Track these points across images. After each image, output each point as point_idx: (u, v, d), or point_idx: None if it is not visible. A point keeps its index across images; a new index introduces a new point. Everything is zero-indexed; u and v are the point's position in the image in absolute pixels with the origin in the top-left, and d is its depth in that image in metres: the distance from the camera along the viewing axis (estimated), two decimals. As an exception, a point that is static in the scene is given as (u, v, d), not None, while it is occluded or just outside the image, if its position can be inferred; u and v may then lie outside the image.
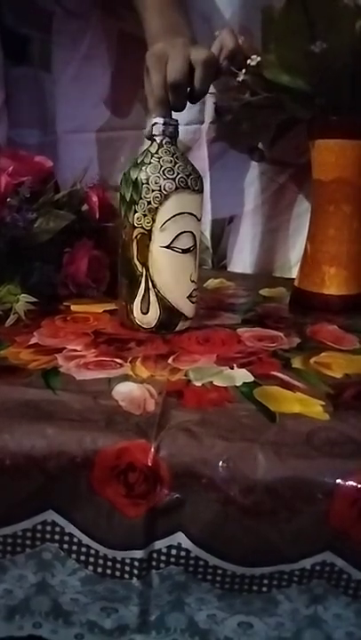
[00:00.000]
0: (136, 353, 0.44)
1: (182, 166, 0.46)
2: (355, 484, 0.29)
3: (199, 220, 0.48)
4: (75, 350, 0.44)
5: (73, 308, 0.55)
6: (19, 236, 0.52)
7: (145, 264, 0.47)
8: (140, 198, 0.45)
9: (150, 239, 0.46)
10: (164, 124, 0.46)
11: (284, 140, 0.73)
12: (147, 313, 0.48)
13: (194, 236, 0.47)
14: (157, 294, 0.47)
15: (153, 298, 0.47)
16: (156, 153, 0.46)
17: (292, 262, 0.79)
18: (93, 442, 0.31)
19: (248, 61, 0.55)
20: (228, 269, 0.81)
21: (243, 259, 0.80)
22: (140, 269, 0.47)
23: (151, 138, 0.47)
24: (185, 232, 0.46)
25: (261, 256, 0.79)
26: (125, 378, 0.39)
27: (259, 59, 0.55)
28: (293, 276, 0.64)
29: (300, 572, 0.31)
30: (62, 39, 0.72)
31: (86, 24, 0.71)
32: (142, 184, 0.45)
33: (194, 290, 0.49)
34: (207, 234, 0.79)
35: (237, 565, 0.31)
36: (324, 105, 0.55)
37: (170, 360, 0.43)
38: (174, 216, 0.46)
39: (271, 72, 0.56)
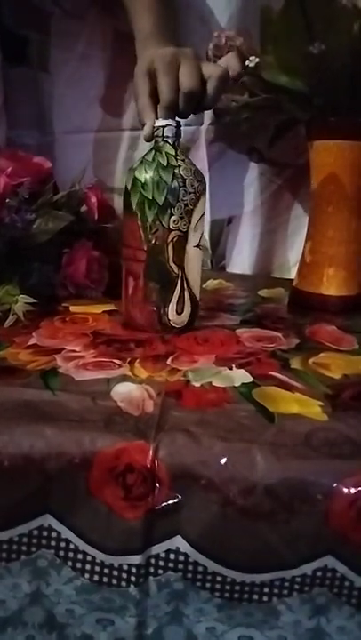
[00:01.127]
0: (135, 354, 0.44)
1: (194, 166, 0.48)
2: (354, 484, 0.29)
3: None
4: (74, 351, 0.44)
5: (72, 308, 0.55)
6: (17, 237, 0.52)
7: (181, 265, 0.48)
8: (178, 201, 0.46)
9: (186, 240, 0.47)
10: (177, 126, 0.47)
11: (282, 141, 0.73)
12: (181, 313, 0.49)
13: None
14: (190, 293, 0.49)
15: (187, 297, 0.49)
16: (178, 155, 0.47)
17: (290, 263, 0.79)
18: (92, 442, 0.31)
19: (247, 62, 0.55)
20: (227, 270, 0.81)
21: (241, 259, 0.80)
22: (175, 271, 0.48)
23: (162, 139, 0.47)
24: (202, 230, 0.49)
25: (260, 257, 0.79)
26: (124, 378, 0.39)
27: (257, 60, 0.55)
28: (292, 277, 0.65)
29: (301, 578, 0.30)
30: (60, 40, 0.72)
31: (83, 24, 0.71)
32: (180, 187, 0.46)
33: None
34: (206, 235, 0.78)
35: (237, 571, 0.31)
36: (322, 106, 0.56)
37: (169, 361, 0.43)
38: (202, 216, 0.48)
39: (270, 73, 0.56)
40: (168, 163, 0.46)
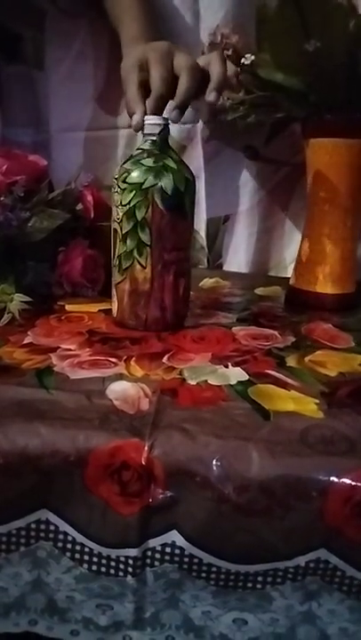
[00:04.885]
0: (130, 352, 0.44)
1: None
2: (349, 481, 0.29)
3: None
4: (69, 349, 0.44)
5: (67, 307, 0.55)
6: (13, 235, 0.51)
7: None
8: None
9: None
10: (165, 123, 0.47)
11: (278, 139, 0.73)
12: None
13: None
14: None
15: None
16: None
17: (287, 261, 0.79)
18: (87, 440, 0.31)
19: (242, 60, 0.55)
20: (224, 268, 0.81)
21: (238, 258, 0.80)
22: None
23: (162, 136, 0.47)
24: None
25: (257, 255, 0.79)
26: (120, 377, 0.39)
27: (253, 57, 0.55)
28: (289, 275, 0.65)
29: (295, 569, 0.31)
30: (55, 38, 0.72)
31: (79, 23, 0.71)
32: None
33: None
34: (202, 233, 0.79)
35: (232, 563, 0.31)
36: (318, 103, 0.55)
37: (164, 359, 0.43)
38: None
39: (266, 70, 0.56)
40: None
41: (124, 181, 0.46)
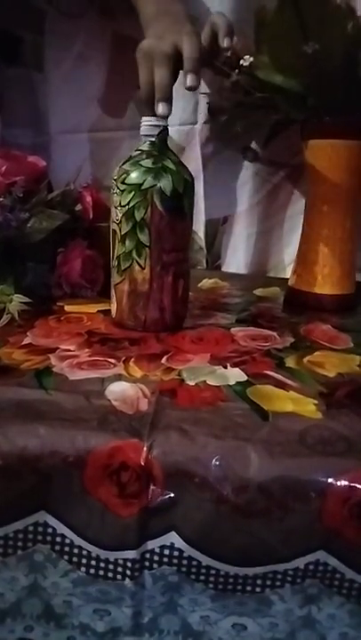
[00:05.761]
0: (129, 352, 0.44)
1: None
2: (347, 482, 0.29)
3: None
4: (68, 350, 0.44)
5: (67, 308, 0.55)
6: (12, 236, 0.51)
7: None
8: None
9: None
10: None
11: (277, 141, 0.73)
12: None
13: None
14: None
15: None
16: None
17: (286, 262, 0.80)
18: (86, 441, 0.31)
19: (241, 61, 0.55)
20: (223, 269, 0.81)
21: (237, 259, 0.80)
22: None
23: (161, 137, 0.47)
24: None
25: (255, 256, 0.80)
26: (119, 377, 0.39)
27: (252, 59, 0.55)
28: (287, 276, 0.65)
29: (294, 571, 0.31)
30: (55, 39, 0.72)
31: (79, 24, 0.71)
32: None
33: None
34: (201, 234, 0.79)
35: (231, 565, 0.31)
36: (317, 105, 0.56)
37: (163, 360, 0.43)
38: None
39: (264, 72, 0.56)
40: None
41: (123, 182, 0.46)
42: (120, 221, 0.46)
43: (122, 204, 0.46)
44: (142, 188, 0.45)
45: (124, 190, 0.46)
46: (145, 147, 0.47)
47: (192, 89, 0.47)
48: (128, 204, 0.45)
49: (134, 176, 0.45)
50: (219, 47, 0.49)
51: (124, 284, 0.48)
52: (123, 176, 0.46)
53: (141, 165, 0.46)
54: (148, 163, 0.46)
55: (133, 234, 0.46)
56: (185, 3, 0.57)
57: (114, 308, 0.50)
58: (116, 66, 0.73)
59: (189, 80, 0.47)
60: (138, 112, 0.74)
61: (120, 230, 0.47)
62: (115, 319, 0.50)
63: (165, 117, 0.47)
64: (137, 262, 0.47)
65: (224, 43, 0.47)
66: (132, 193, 0.45)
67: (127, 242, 0.47)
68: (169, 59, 0.48)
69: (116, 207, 0.47)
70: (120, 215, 0.46)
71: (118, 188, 0.46)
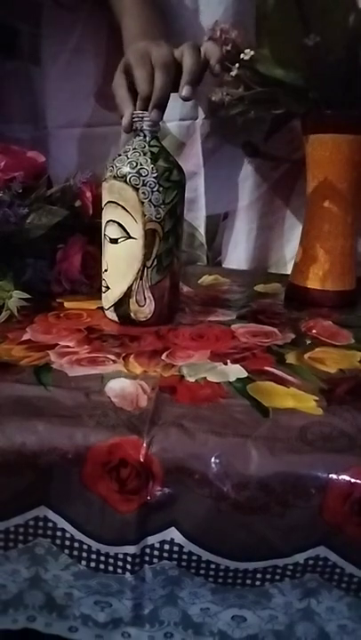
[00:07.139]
0: (129, 349, 0.44)
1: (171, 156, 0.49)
2: (348, 478, 0.29)
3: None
4: (67, 347, 0.44)
5: (66, 304, 0.55)
6: (11, 232, 0.51)
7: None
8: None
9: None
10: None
11: (278, 135, 0.73)
12: (143, 306, 0.49)
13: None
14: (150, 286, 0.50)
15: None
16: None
17: (287, 258, 0.79)
18: (85, 438, 0.31)
19: (241, 55, 0.55)
20: (223, 265, 0.81)
21: (238, 255, 0.80)
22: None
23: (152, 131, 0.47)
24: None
25: (256, 252, 0.79)
26: (118, 374, 0.39)
27: (252, 52, 0.55)
28: (288, 272, 0.64)
29: (294, 566, 0.31)
30: (51, 32, 0.71)
31: (76, 17, 0.71)
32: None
33: None
34: (202, 230, 0.78)
35: (231, 560, 0.31)
36: (318, 99, 0.55)
37: (163, 356, 0.43)
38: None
39: (265, 66, 0.55)
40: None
41: (167, 180, 0.46)
42: (163, 219, 0.46)
43: (166, 201, 0.46)
44: (181, 184, 0.47)
45: (169, 188, 0.46)
46: (159, 143, 0.47)
47: (186, 100, 0.47)
48: (172, 200, 0.46)
49: (176, 173, 0.47)
50: (207, 71, 0.49)
51: (165, 281, 0.48)
52: (165, 174, 0.46)
53: (174, 162, 0.47)
54: (172, 159, 0.47)
55: (174, 230, 0.48)
56: (166, 25, 0.59)
57: (148, 309, 0.48)
58: (113, 59, 0.72)
59: (185, 91, 0.46)
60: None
61: (163, 228, 0.47)
62: (149, 321, 0.49)
63: (156, 123, 0.47)
64: (176, 257, 0.49)
65: (183, 91, 0.47)
66: (175, 191, 0.46)
67: (170, 239, 0.47)
68: (171, 66, 0.47)
69: (157, 206, 0.46)
70: (163, 213, 0.46)
71: (162, 185, 0.46)
